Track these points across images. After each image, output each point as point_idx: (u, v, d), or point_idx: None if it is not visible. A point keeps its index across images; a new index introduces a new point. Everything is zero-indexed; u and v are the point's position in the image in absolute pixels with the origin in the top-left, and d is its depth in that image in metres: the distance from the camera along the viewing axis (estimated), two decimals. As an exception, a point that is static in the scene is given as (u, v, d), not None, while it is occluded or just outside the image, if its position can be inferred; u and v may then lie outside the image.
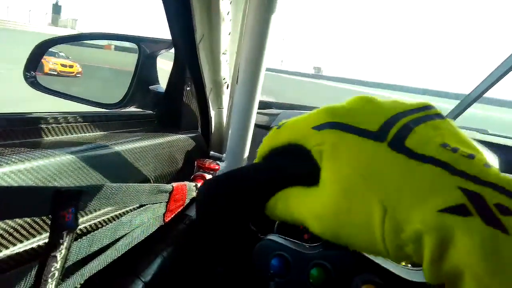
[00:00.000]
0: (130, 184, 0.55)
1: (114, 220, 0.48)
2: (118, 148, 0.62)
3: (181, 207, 0.61)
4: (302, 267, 0.29)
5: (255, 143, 0.90)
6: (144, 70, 0.84)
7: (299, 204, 0.22)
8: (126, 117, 0.78)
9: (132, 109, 0.86)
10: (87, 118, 0.66)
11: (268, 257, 0.31)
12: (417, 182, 0.17)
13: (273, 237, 0.33)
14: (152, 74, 0.87)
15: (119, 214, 0.58)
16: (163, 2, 0.66)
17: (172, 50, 0.82)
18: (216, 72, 0.82)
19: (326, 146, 0.20)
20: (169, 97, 0.84)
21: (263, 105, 1.21)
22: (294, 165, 0.24)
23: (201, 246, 0.35)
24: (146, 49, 0.83)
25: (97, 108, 0.88)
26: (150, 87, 0.86)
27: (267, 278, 0.31)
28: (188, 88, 0.83)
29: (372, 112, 0.20)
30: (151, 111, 0.85)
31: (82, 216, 0.51)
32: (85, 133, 0.66)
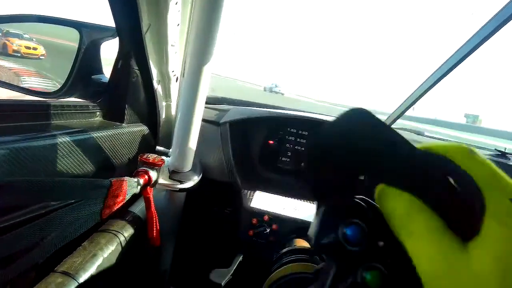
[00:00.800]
0: (61, 179, 0.52)
1: (43, 216, 0.45)
2: (53, 140, 0.58)
3: (121, 203, 0.58)
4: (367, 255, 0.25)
5: (203, 138, 0.89)
6: (86, 58, 0.79)
7: (424, 237, 0.20)
8: (65, 107, 0.73)
9: (72, 99, 0.81)
10: (18, 107, 0.60)
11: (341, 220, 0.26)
12: None
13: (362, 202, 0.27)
14: (95, 63, 0.82)
15: (50, 210, 0.54)
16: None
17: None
18: (164, 64, 0.80)
19: None
20: (113, 88, 0.80)
21: (214, 100, 1.20)
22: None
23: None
24: (88, 36, 0.78)
25: (32, 96, 0.81)
26: (93, 76, 0.81)
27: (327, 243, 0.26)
28: (134, 79, 0.79)
29: None
30: (93, 102, 0.80)
31: (4, 214, 0.47)
32: (16, 123, 0.60)
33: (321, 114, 1.06)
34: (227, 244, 0.97)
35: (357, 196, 0.27)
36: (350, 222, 0.26)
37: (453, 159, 0.21)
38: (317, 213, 0.27)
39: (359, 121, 0.23)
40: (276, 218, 0.76)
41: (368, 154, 0.23)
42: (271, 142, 0.96)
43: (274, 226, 0.75)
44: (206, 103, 1.18)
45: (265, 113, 0.93)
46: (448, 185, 0.21)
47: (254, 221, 0.76)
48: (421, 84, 1.04)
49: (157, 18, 0.69)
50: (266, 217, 0.76)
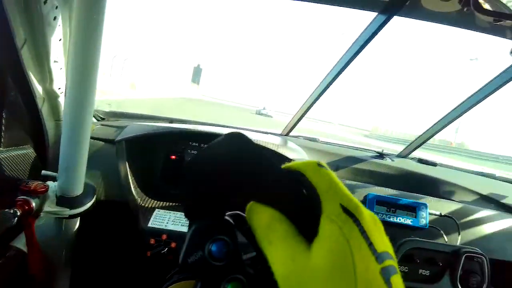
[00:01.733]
0: None
1: None
2: None
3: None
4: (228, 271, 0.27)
5: (98, 158, 0.84)
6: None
7: (279, 245, 0.23)
8: None
9: None
10: None
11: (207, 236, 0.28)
12: None
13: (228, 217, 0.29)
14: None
15: None
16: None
17: None
18: (48, 81, 0.74)
19: (343, 226, 0.21)
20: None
21: (111, 115, 1.14)
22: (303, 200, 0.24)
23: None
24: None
25: None
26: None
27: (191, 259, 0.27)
28: (11, 98, 0.71)
29: (381, 234, 0.22)
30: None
31: None
32: None
33: (223, 127, 1.10)
34: (126, 267, 0.92)
35: (230, 212, 0.29)
36: (216, 239, 0.28)
37: (304, 173, 0.25)
38: (188, 232, 0.28)
39: (232, 145, 0.25)
40: (174, 236, 0.74)
41: (238, 176, 0.25)
42: (173, 157, 0.94)
43: (172, 245, 0.73)
44: (102, 119, 1.11)
45: (165, 129, 0.92)
46: (301, 195, 0.24)
47: (152, 241, 0.73)
48: (309, 96, 1.15)
49: (33, 33, 0.64)
50: (164, 236, 0.74)
